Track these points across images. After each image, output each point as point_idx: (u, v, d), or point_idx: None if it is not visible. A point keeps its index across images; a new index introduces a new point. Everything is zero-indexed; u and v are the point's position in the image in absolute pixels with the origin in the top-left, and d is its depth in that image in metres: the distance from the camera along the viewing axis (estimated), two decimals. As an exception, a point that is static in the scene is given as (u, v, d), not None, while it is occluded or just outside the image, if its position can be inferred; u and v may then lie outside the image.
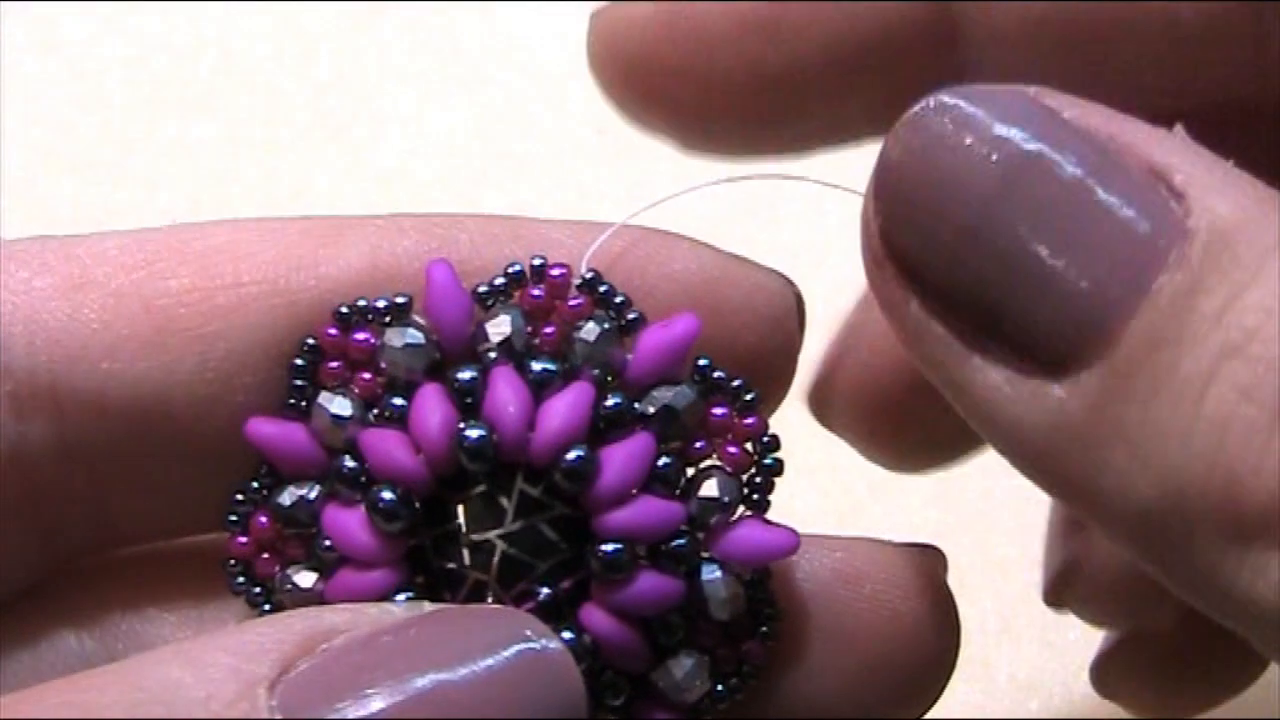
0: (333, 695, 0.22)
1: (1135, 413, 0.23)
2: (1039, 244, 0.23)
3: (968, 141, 0.24)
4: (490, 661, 0.23)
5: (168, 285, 0.26)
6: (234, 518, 0.27)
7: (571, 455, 0.26)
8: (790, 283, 0.29)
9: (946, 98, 0.25)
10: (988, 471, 0.57)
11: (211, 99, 0.64)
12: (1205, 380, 0.22)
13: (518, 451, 0.26)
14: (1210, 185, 0.23)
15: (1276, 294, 0.22)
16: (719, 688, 0.27)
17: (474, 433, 0.26)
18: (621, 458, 0.26)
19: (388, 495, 0.26)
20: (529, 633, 0.23)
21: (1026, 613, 0.51)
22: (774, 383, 0.29)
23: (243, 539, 0.27)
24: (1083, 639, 0.49)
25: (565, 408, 0.26)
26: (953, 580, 0.29)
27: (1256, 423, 0.22)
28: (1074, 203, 0.23)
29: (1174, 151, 0.24)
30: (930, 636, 0.28)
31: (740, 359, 0.28)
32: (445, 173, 0.62)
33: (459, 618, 0.24)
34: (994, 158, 0.24)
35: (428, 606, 0.25)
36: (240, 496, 0.27)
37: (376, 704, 0.22)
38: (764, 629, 0.27)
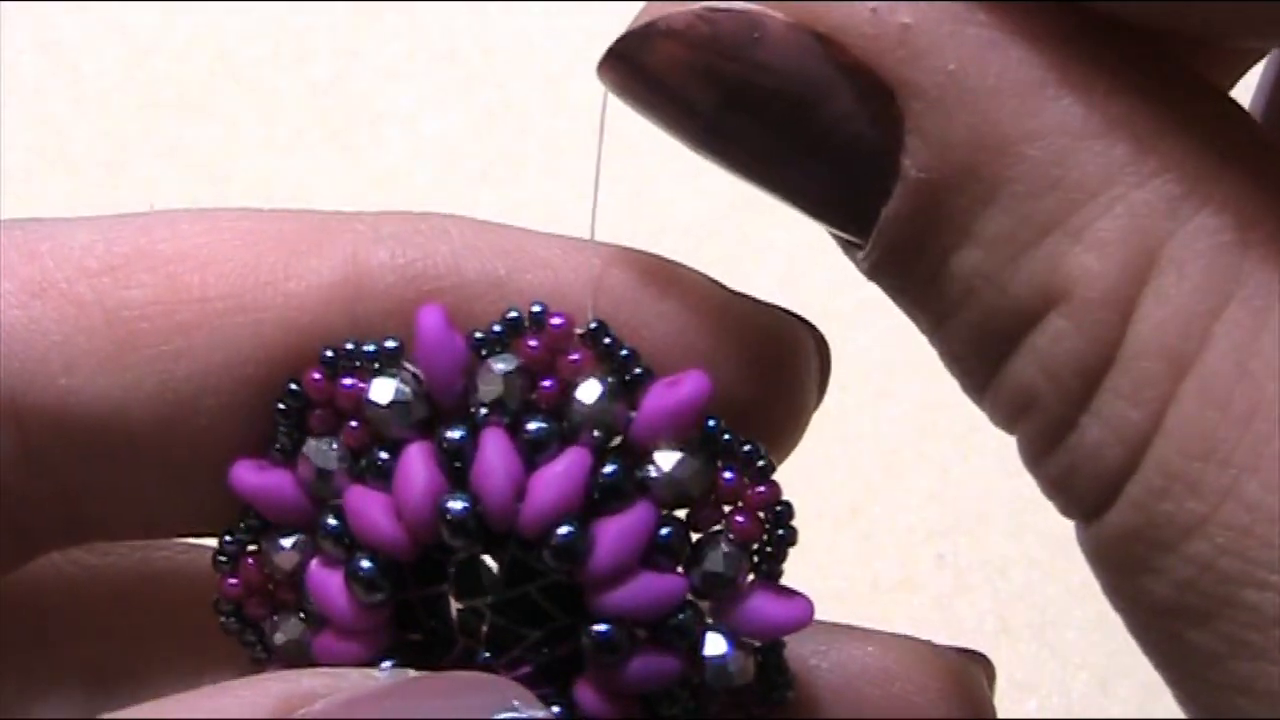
0: None
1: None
2: None
3: None
4: None
5: (131, 296, 0.25)
6: (223, 559, 0.26)
7: (562, 531, 0.24)
8: (809, 329, 0.27)
9: None
10: (986, 472, 0.57)
11: (209, 99, 0.64)
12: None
13: (504, 523, 0.24)
14: None
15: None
16: None
17: (457, 504, 0.24)
18: (616, 534, 0.24)
19: (366, 565, 0.25)
20: (515, 702, 0.22)
21: (1024, 612, 0.51)
22: (779, 435, 0.27)
23: (233, 580, 0.26)
24: (1081, 638, 0.49)
25: (557, 479, 0.24)
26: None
27: None
28: None
29: None
30: None
31: (740, 406, 0.26)
32: (443, 173, 0.62)
33: (442, 687, 0.23)
34: None
35: (411, 674, 0.24)
36: (229, 538, 0.26)
37: None
38: (775, 694, 0.26)
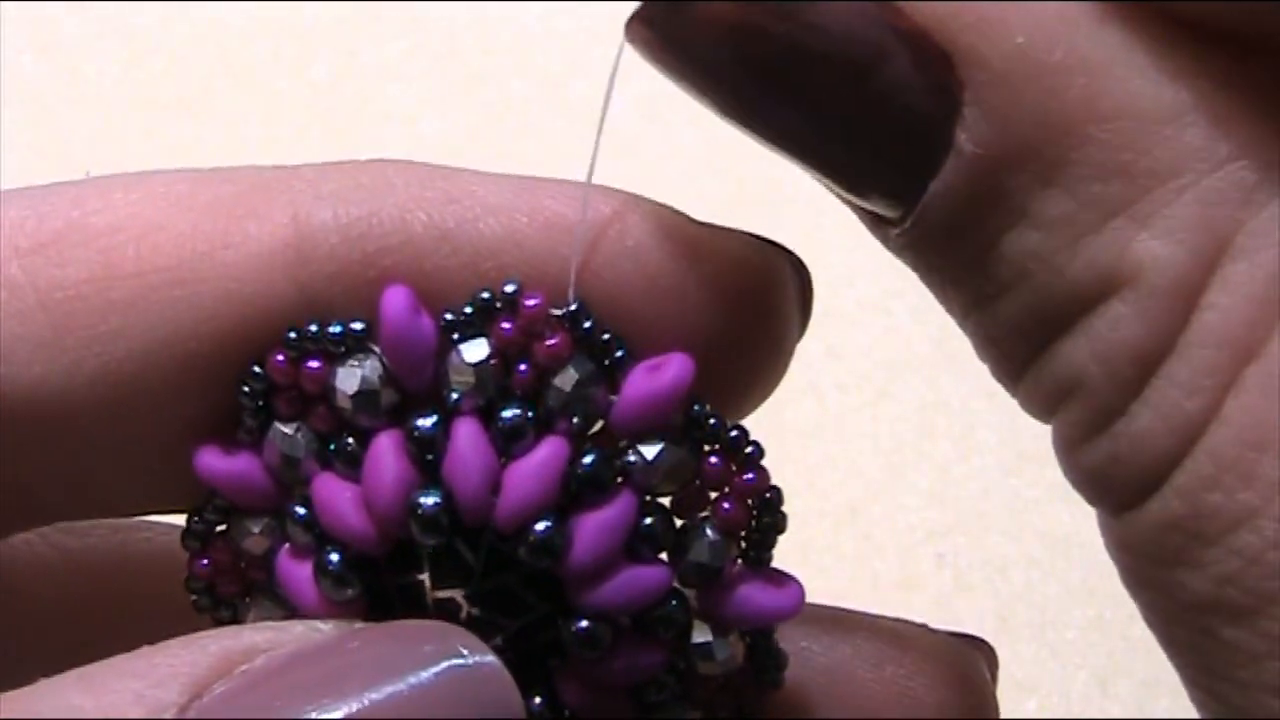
0: None
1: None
2: None
3: None
4: (418, 679, 0.21)
5: (64, 275, 0.24)
6: (192, 539, 0.25)
7: (540, 527, 0.23)
8: (785, 253, 0.26)
9: None
10: (986, 472, 0.57)
11: (210, 99, 0.64)
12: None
13: (479, 518, 0.23)
14: None
15: None
16: None
17: (429, 500, 0.23)
18: (595, 528, 0.23)
19: (335, 558, 0.24)
20: (461, 648, 0.22)
21: (1024, 612, 0.51)
22: (757, 375, 0.26)
23: (204, 561, 0.25)
24: (1081, 638, 0.49)
25: (533, 473, 0.23)
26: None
27: None
28: None
29: None
30: None
31: (714, 350, 0.24)
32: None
33: (387, 635, 0.22)
34: None
35: (357, 625, 0.23)
36: (197, 519, 0.25)
37: None
38: (766, 678, 0.25)
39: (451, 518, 0.23)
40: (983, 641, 0.28)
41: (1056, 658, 0.51)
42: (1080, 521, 0.55)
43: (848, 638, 0.26)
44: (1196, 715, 0.41)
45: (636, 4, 0.23)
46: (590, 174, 0.25)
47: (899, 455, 0.55)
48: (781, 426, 0.55)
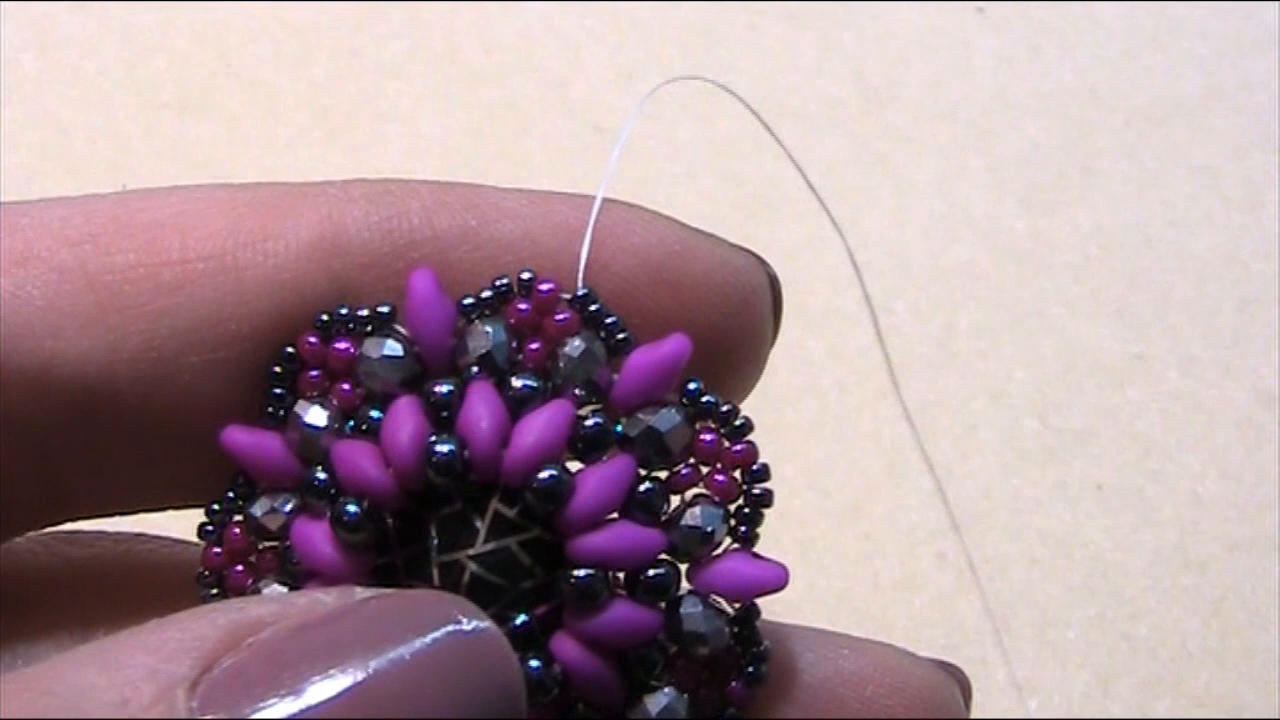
0: (256, 692, 0.21)
1: None
2: None
3: None
4: (418, 646, 0.22)
5: (112, 261, 0.26)
6: (210, 528, 0.26)
7: (544, 474, 0.25)
8: (762, 262, 0.28)
9: None
10: (987, 471, 0.57)
11: (211, 98, 0.64)
12: None
13: (489, 468, 0.25)
14: None
15: None
16: None
17: (443, 447, 0.25)
18: (597, 480, 0.25)
19: (351, 508, 0.25)
20: (459, 615, 0.22)
21: (1025, 611, 0.51)
22: (742, 368, 0.28)
23: (217, 550, 0.26)
24: (1081, 637, 0.49)
25: (541, 425, 0.25)
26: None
27: None
28: None
29: None
30: None
31: (704, 340, 0.26)
32: (443, 172, 0.62)
33: (388, 604, 0.23)
34: None
35: (359, 593, 0.24)
36: (215, 507, 0.26)
37: (302, 700, 0.21)
38: (750, 669, 0.26)
39: (463, 469, 0.25)
40: (957, 669, 0.29)
41: (1057, 657, 0.51)
42: (1081, 521, 0.55)
43: (831, 656, 0.27)
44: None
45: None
46: (604, 185, 0.27)
47: (900, 455, 0.55)
48: (783, 425, 0.55)
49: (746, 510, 0.26)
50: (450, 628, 0.22)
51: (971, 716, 0.29)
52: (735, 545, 0.26)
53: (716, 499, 0.26)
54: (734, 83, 0.67)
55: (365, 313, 0.26)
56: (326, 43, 0.65)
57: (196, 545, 0.27)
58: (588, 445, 0.25)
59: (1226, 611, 0.53)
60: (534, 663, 0.25)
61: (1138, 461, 0.56)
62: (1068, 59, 0.68)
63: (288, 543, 0.26)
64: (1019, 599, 0.51)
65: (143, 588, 0.28)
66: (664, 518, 0.26)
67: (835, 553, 0.54)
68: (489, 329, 0.26)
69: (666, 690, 0.26)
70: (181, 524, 0.28)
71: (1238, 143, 0.65)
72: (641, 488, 0.25)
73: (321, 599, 0.23)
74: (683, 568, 0.26)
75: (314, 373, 0.26)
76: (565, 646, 0.25)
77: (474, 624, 0.22)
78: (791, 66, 0.66)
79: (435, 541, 0.25)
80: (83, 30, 0.65)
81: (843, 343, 0.57)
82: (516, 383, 0.25)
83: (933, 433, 0.56)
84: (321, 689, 0.21)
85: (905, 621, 0.52)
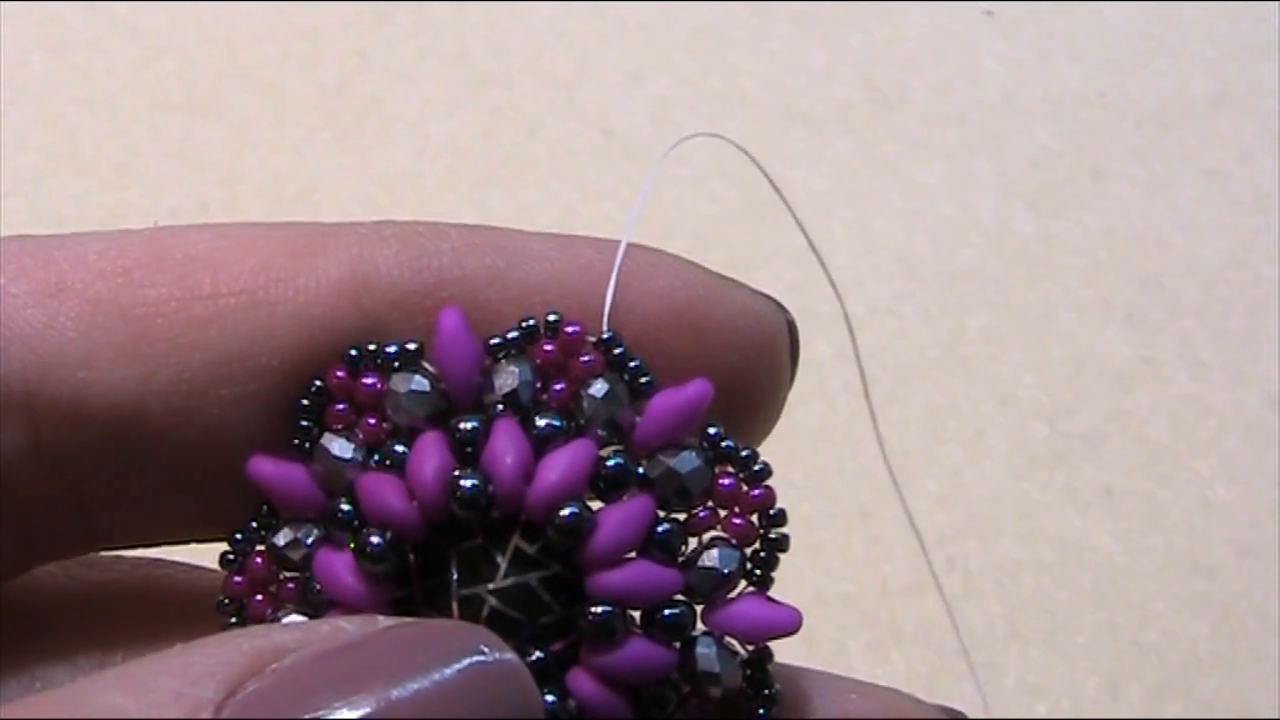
0: (279, 718, 0.21)
1: None
2: None
3: None
4: (441, 675, 0.22)
5: (145, 294, 0.26)
6: (231, 556, 0.27)
7: (566, 511, 0.25)
8: (782, 309, 0.29)
9: None
10: (996, 476, 0.57)
11: (218, 100, 0.64)
12: None
13: (512, 503, 0.25)
14: None
15: None
16: None
17: (468, 482, 0.25)
18: (618, 518, 0.25)
19: (375, 539, 0.25)
20: (482, 645, 0.23)
21: (1034, 616, 0.51)
22: (760, 411, 0.28)
23: (238, 578, 0.26)
24: (1091, 642, 0.49)
25: (564, 463, 0.25)
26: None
27: None
28: None
29: None
30: None
31: (724, 383, 0.27)
32: (451, 174, 0.62)
33: (411, 633, 0.23)
34: None
35: (382, 622, 0.24)
36: (238, 536, 0.27)
37: None
38: (761, 711, 0.26)
39: (487, 504, 0.25)
40: (963, 715, 0.29)
41: (1066, 662, 0.50)
42: (1091, 526, 0.54)
43: (840, 700, 0.27)
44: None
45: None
46: (628, 230, 0.28)
47: (908, 459, 0.55)
48: (791, 429, 0.54)
49: (763, 554, 0.26)
50: (474, 658, 0.22)
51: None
52: (750, 588, 0.26)
53: (734, 541, 0.26)
54: (743, 86, 0.67)
55: (393, 349, 0.26)
56: (335, 45, 0.65)
57: (214, 571, 0.27)
58: (609, 484, 0.26)
59: (1236, 616, 0.53)
60: (550, 697, 0.25)
61: (1147, 466, 0.56)
62: (1077, 62, 0.68)
63: (308, 574, 0.26)
64: (1028, 603, 0.51)
65: (160, 612, 0.28)
66: (681, 558, 0.26)
67: (844, 557, 0.53)
68: (515, 368, 0.26)
69: None
70: (199, 549, 0.28)
71: (1247, 146, 0.65)
72: (660, 528, 0.26)
73: (344, 627, 0.23)
74: (698, 608, 0.26)
75: (341, 406, 0.26)
76: (581, 682, 0.25)
77: (497, 655, 0.23)
78: (800, 69, 0.66)
79: (456, 575, 0.26)
80: (90, 31, 0.65)
81: (850, 347, 0.57)
82: (540, 422, 0.26)
83: (941, 437, 0.56)
84: (344, 716, 0.21)
85: (913, 626, 0.52)
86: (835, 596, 0.53)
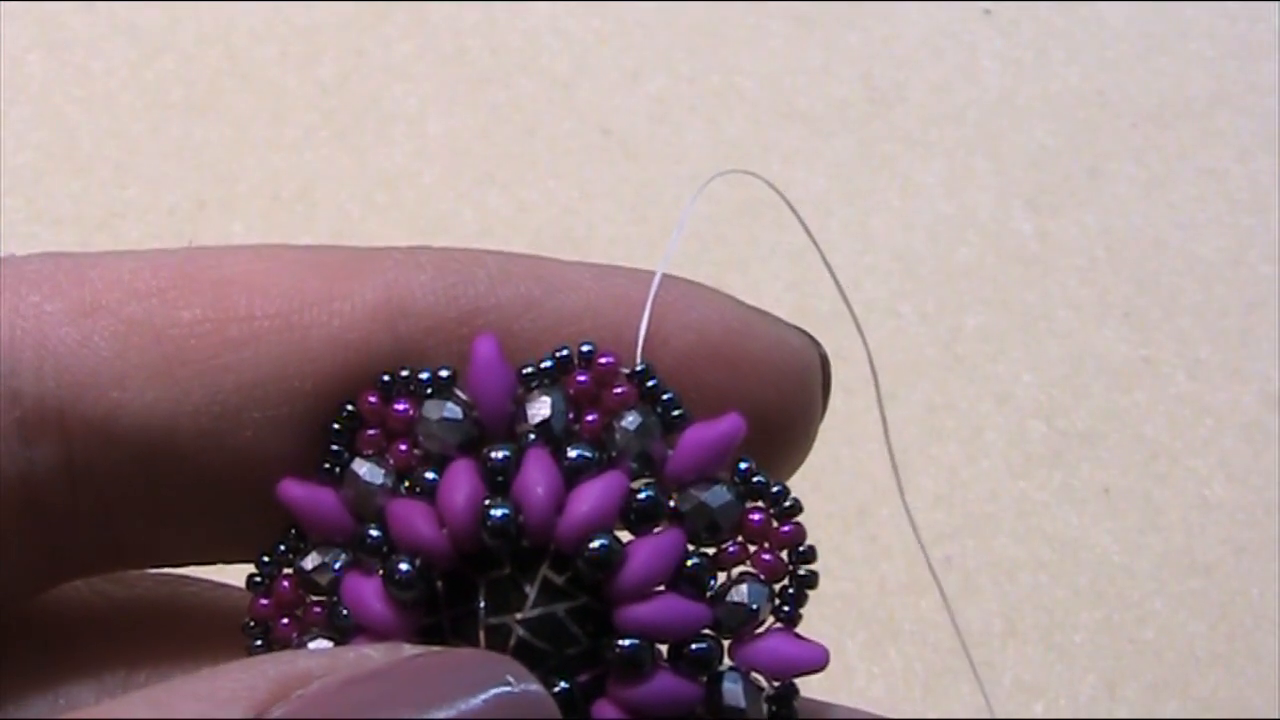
0: None
1: None
2: None
3: None
4: (467, 705, 0.22)
5: (179, 315, 0.26)
6: (258, 579, 0.26)
7: (596, 543, 0.25)
8: (815, 343, 0.29)
9: None
10: (994, 474, 0.57)
11: (217, 99, 0.64)
12: None
13: (542, 533, 0.25)
14: None
15: None
16: None
17: (499, 511, 0.25)
18: (647, 551, 0.25)
19: (404, 566, 0.25)
20: (509, 675, 0.23)
21: (1032, 615, 0.51)
22: (791, 444, 0.28)
23: (265, 601, 0.26)
24: (1088, 641, 0.49)
25: (595, 494, 0.25)
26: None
27: None
28: None
29: None
30: None
31: (756, 416, 0.27)
32: (450, 173, 0.62)
33: (437, 662, 0.23)
34: None
35: (408, 650, 0.24)
36: (265, 558, 0.26)
37: None
38: None
39: (517, 533, 0.25)
40: None
41: (1064, 661, 0.50)
42: (1088, 525, 0.54)
43: None
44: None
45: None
46: (664, 262, 0.28)
47: (906, 458, 0.55)
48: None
49: (791, 590, 0.26)
50: (500, 688, 0.22)
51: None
52: (778, 624, 0.26)
53: (762, 577, 0.26)
54: (741, 84, 0.67)
55: (426, 375, 0.26)
56: (333, 43, 0.65)
57: (239, 589, 0.27)
58: (640, 517, 0.26)
59: (1233, 615, 0.53)
60: None
61: (1145, 464, 0.56)
62: (1075, 61, 0.68)
63: (335, 598, 0.26)
64: (1026, 602, 0.51)
65: (186, 629, 0.28)
66: (710, 593, 0.26)
67: (842, 555, 0.54)
68: (548, 398, 0.26)
69: None
70: (223, 568, 0.28)
71: (1245, 145, 0.65)
72: (690, 562, 0.26)
73: (370, 654, 0.23)
74: (725, 643, 0.26)
75: (373, 431, 0.26)
76: (607, 714, 0.25)
77: (523, 685, 0.23)
78: (798, 68, 0.66)
79: (483, 604, 0.26)
80: (89, 30, 0.65)
81: (849, 345, 0.57)
82: (572, 452, 0.26)
83: (939, 435, 0.56)
84: None
85: (912, 625, 0.52)
86: (833, 595, 0.53)
